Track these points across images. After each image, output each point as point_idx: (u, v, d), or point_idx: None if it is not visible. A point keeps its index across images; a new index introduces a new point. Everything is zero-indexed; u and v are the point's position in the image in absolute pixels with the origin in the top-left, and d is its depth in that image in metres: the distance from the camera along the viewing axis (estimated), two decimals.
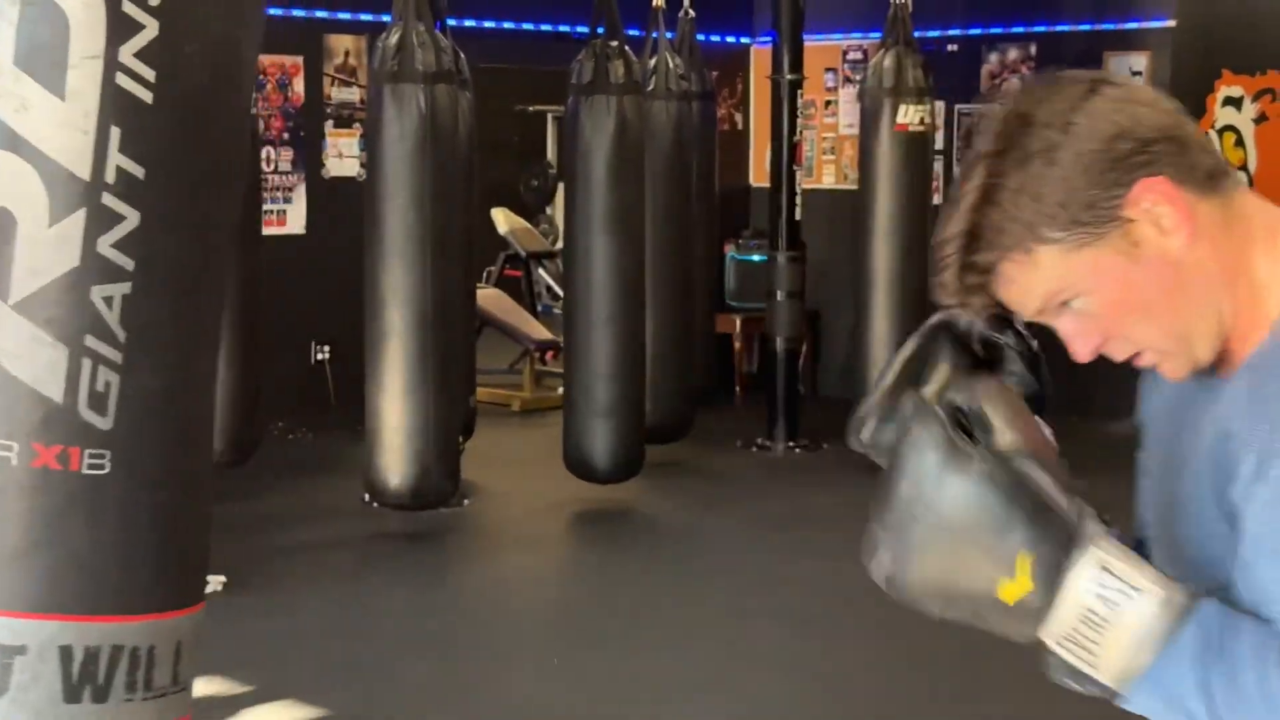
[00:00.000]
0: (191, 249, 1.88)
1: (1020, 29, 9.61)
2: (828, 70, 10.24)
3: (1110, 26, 9.24)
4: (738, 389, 10.27)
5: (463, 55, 7.16)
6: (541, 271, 11.93)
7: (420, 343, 6.54)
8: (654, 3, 8.23)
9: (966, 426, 1.46)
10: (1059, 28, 9.45)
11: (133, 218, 1.80)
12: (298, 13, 8.55)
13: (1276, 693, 1.36)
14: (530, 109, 15.05)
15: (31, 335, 1.80)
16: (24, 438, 1.80)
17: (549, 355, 10.12)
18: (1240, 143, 9.48)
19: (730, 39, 10.74)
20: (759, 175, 10.79)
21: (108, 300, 1.79)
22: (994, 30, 9.72)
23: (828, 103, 10.34)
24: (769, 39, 10.30)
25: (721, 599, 6.09)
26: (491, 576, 6.51)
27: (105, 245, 1.79)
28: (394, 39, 6.51)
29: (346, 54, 8.80)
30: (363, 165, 8.86)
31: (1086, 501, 1.44)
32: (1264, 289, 1.49)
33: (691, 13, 8.59)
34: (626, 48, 7.31)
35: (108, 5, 1.80)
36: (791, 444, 8.72)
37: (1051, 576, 1.40)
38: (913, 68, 7.99)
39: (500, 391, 9.89)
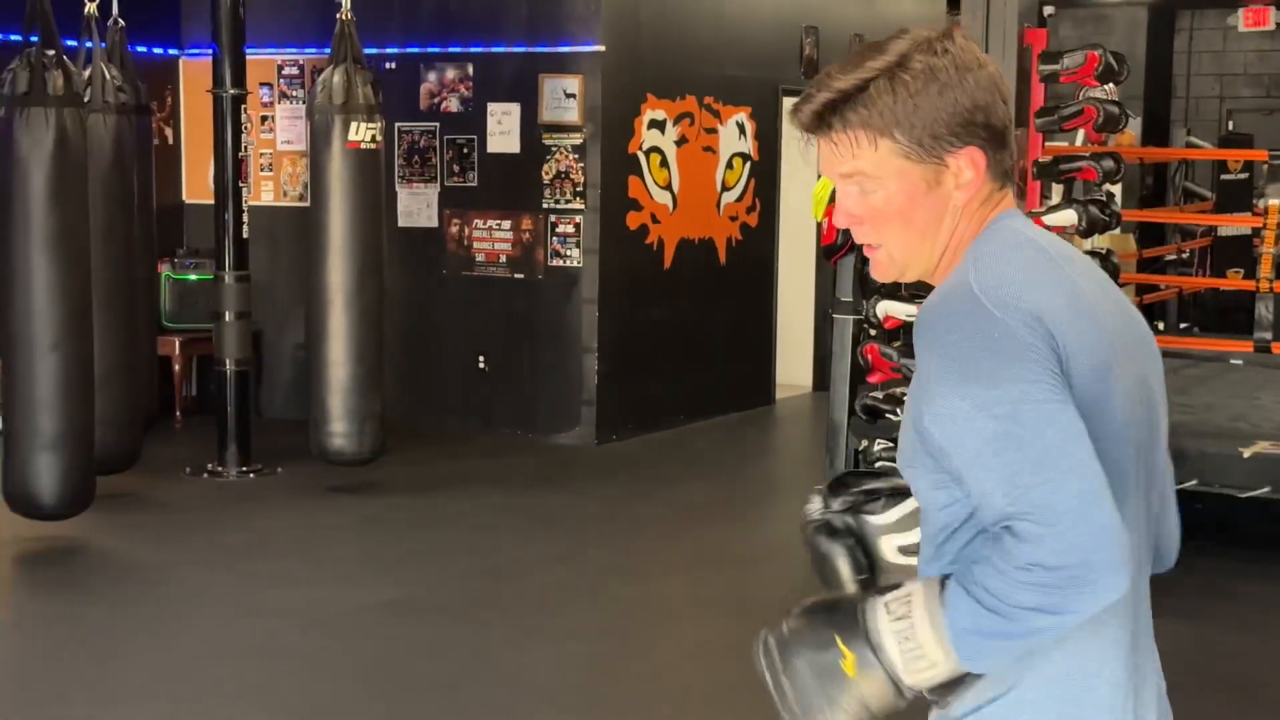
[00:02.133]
0: None
1: (457, 49, 9.75)
2: (263, 85, 10.03)
3: (544, 49, 9.53)
4: (178, 413, 9.90)
5: None
6: None
7: None
8: (86, 9, 7.81)
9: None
10: (495, 49, 9.65)
11: None
12: None
13: (1003, 559, 1.72)
14: None
15: None
16: None
17: None
18: (665, 163, 10.00)
19: (158, 50, 10.33)
20: (193, 192, 10.45)
21: None
22: (432, 49, 9.82)
23: (264, 118, 10.13)
24: (203, 51, 9.98)
25: (197, 637, 5.84)
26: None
27: None
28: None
29: None
30: None
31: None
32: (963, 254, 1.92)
33: (122, 22, 8.19)
34: (65, 57, 6.89)
35: None
36: (245, 469, 8.49)
37: (859, 637, 1.81)
38: (362, 85, 7.95)
39: None
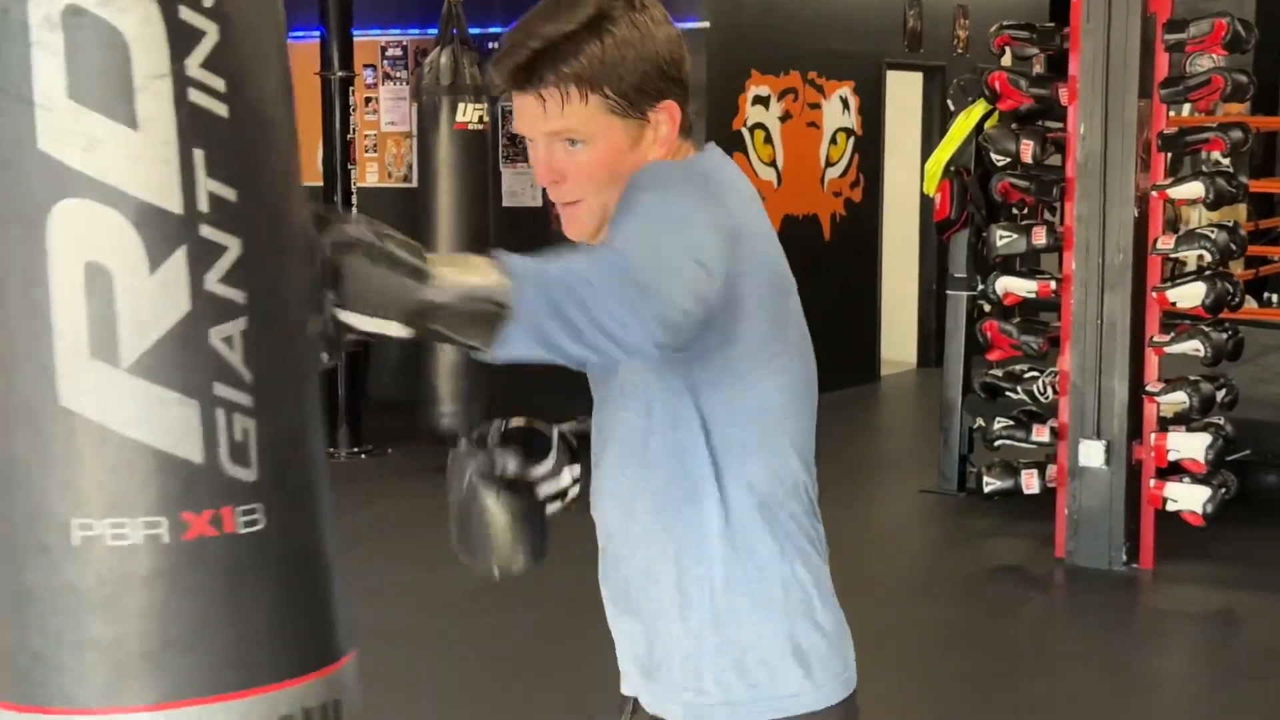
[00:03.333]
0: (289, 272, 1.64)
1: None
2: (367, 66, 10.06)
3: None
4: None
5: None
6: None
7: None
8: None
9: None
10: None
11: (234, 246, 1.57)
12: None
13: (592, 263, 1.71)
14: None
15: (157, 397, 1.55)
16: (172, 510, 1.56)
17: None
18: (769, 139, 9.93)
19: None
20: (304, 174, 10.50)
21: (228, 340, 1.57)
22: None
23: (368, 99, 10.17)
24: (306, 34, 10.02)
25: None
26: None
27: (213, 281, 1.55)
28: None
29: None
30: None
31: None
32: None
33: None
34: None
35: (165, 16, 1.52)
36: (356, 450, 8.53)
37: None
38: (469, 66, 7.94)
39: None
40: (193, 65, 1.56)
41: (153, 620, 1.58)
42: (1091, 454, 6.36)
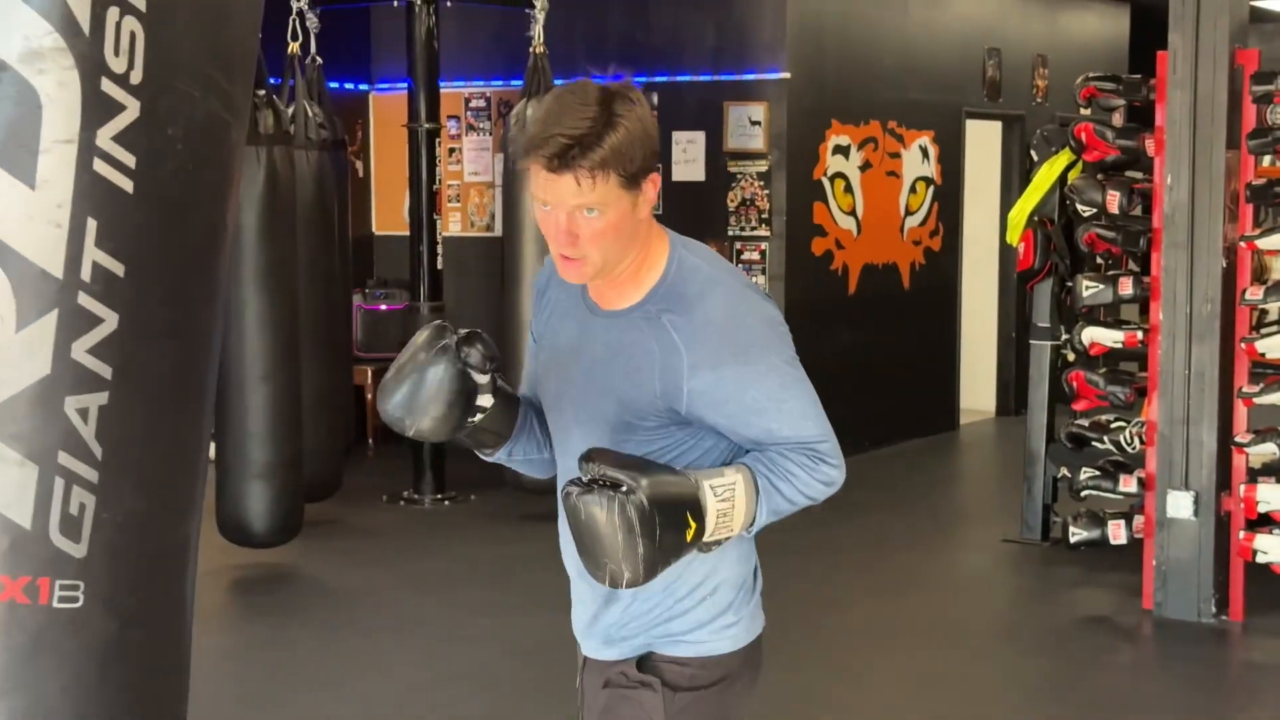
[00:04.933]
0: (174, 356, 1.61)
1: (642, 78, 9.83)
2: (450, 118, 10.21)
3: (729, 77, 9.57)
4: (370, 441, 10.09)
5: None
6: None
7: None
8: (289, 49, 8.00)
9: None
10: (680, 77, 9.71)
11: (111, 320, 1.55)
12: None
13: (809, 471, 2.48)
14: None
15: None
16: None
17: None
18: (849, 188, 9.98)
19: (349, 85, 10.56)
20: (383, 223, 10.66)
21: (82, 412, 1.54)
22: (617, 79, 9.88)
23: (451, 150, 10.31)
24: (392, 85, 10.18)
25: (410, 664, 5.94)
26: None
27: (80, 351, 1.54)
28: None
29: None
30: None
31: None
32: (654, 256, 2.50)
33: (320, 60, 8.38)
34: (275, 96, 7.08)
35: (84, 83, 1.52)
36: (440, 496, 8.62)
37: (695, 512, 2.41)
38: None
39: None
40: (104, 136, 1.54)
41: None
42: (1180, 505, 6.34)
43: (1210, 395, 6.32)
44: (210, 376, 1.65)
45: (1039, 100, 11.63)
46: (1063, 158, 7.37)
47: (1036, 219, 7.49)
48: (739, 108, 9.54)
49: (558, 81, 8.95)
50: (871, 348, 10.23)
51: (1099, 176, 6.91)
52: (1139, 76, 6.97)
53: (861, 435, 10.14)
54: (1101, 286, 6.75)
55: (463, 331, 2.52)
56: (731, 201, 9.59)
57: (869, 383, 10.19)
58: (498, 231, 8.94)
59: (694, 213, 9.70)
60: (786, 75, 9.43)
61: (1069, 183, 7.17)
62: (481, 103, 10.29)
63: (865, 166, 10.09)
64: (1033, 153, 7.71)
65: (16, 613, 1.53)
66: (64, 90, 1.54)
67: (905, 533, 8.19)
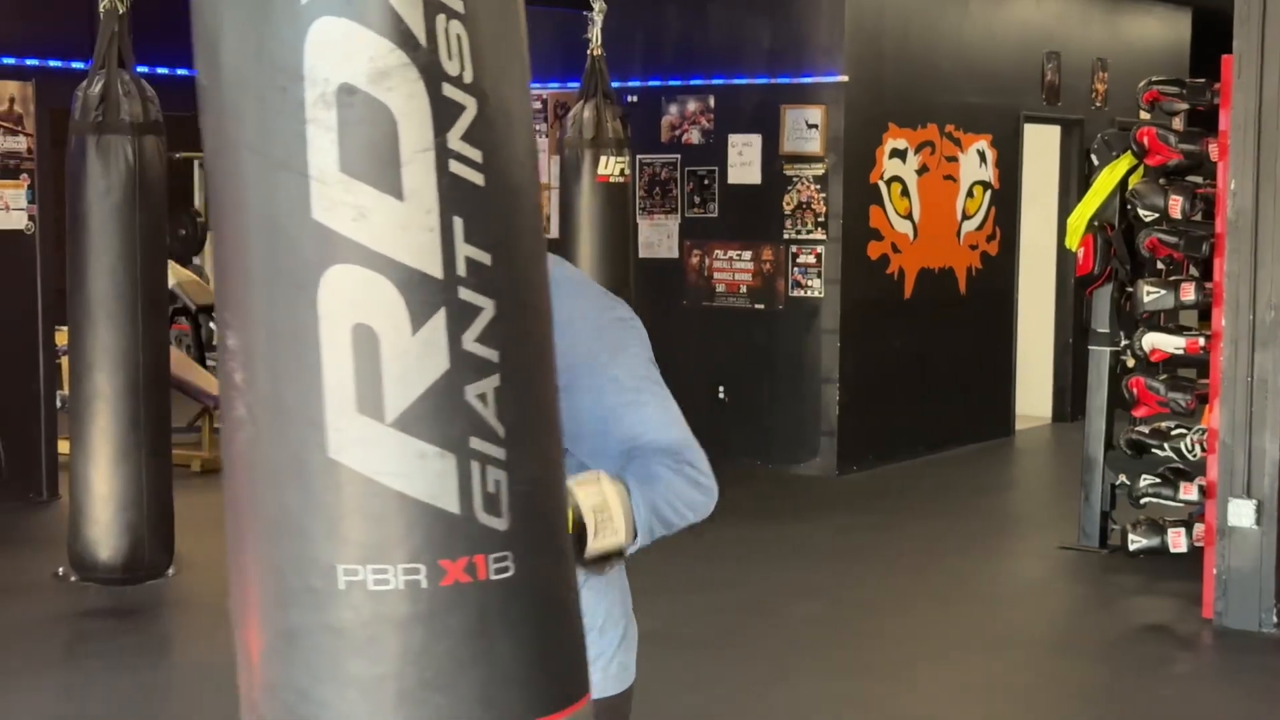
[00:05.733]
0: (535, 331, 1.75)
1: (699, 81, 9.83)
2: None
3: (786, 80, 9.55)
4: None
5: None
6: (213, 326, 11.48)
7: (132, 408, 6.17)
8: None
9: None
10: (736, 80, 9.70)
11: (489, 308, 1.66)
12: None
13: (676, 473, 2.36)
14: (176, 155, 14.50)
15: (417, 450, 1.64)
16: (430, 557, 1.65)
17: None
18: (906, 192, 9.93)
19: None
20: None
21: (481, 397, 1.65)
22: (673, 82, 9.91)
23: None
24: None
25: None
26: (216, 652, 6.16)
27: (469, 341, 1.65)
28: (96, 88, 6.15)
29: (11, 100, 8.26)
30: (31, 218, 8.35)
31: None
32: None
33: None
34: None
35: (429, 93, 1.62)
36: None
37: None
38: (612, 119, 8.06)
39: (178, 452, 9.43)
40: (454, 138, 1.65)
41: (410, 661, 1.65)
42: (1241, 513, 6.27)
43: (1273, 402, 6.25)
44: (552, 342, 1.80)
45: (1098, 104, 11.54)
46: (1124, 162, 7.31)
47: (1096, 224, 7.44)
48: (796, 111, 9.51)
49: (614, 84, 8.97)
50: (927, 352, 10.18)
51: (1161, 181, 6.85)
52: (1203, 81, 6.91)
53: (917, 440, 10.09)
54: (1163, 292, 6.69)
55: None
56: (787, 205, 9.56)
57: (924, 388, 10.15)
58: (554, 233, 8.95)
59: (749, 216, 9.68)
60: (844, 78, 9.40)
61: (1130, 187, 7.11)
62: (538, 105, 10.31)
63: (922, 170, 10.04)
64: (1093, 157, 7.66)
65: (463, 592, 1.67)
66: (414, 102, 1.64)
67: (961, 538, 8.14)
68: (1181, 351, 6.69)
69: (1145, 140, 6.76)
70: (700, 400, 9.89)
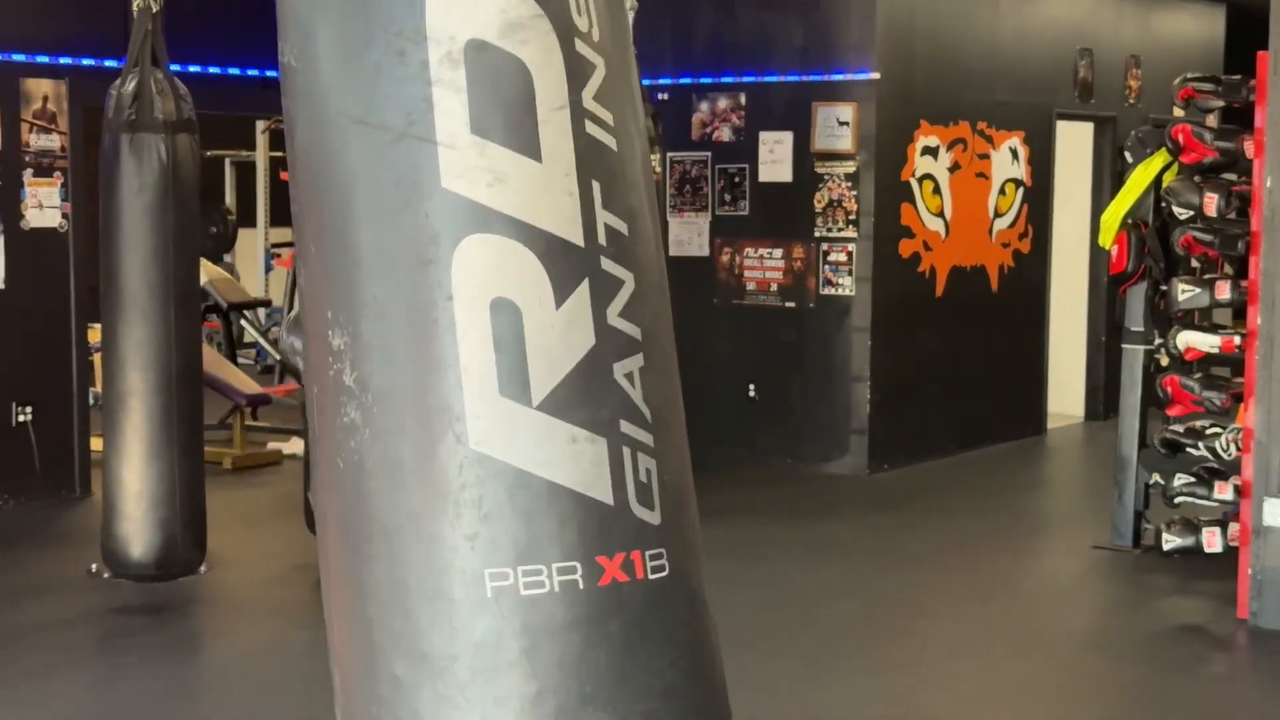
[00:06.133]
0: (666, 310, 1.60)
1: (730, 79, 9.80)
2: None
3: (817, 78, 9.52)
4: None
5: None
6: (244, 323, 11.52)
7: (164, 405, 6.19)
8: None
9: None
10: (767, 78, 9.67)
11: (629, 281, 1.54)
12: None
13: None
14: (207, 153, 14.54)
15: (567, 435, 1.48)
16: (586, 554, 1.48)
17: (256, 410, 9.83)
18: (937, 190, 9.89)
19: None
20: None
21: (629, 376, 1.51)
22: (704, 80, 9.89)
23: None
24: None
25: None
26: (247, 649, 6.18)
27: (614, 315, 1.52)
28: (130, 86, 6.16)
29: (45, 99, 8.29)
30: (65, 216, 8.38)
31: None
32: None
33: None
34: None
35: (563, 47, 1.50)
36: None
37: None
38: (645, 117, 8.03)
39: (210, 449, 9.46)
40: (587, 97, 1.52)
41: (569, 672, 1.46)
42: (1277, 513, 6.23)
43: None
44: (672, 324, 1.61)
45: (1131, 101, 11.48)
46: (1158, 159, 7.26)
47: (1130, 221, 7.39)
48: (827, 108, 9.48)
49: (645, 82, 8.96)
50: (959, 351, 10.14)
51: (1196, 179, 6.81)
52: (1238, 77, 6.86)
53: (948, 439, 10.05)
54: (1198, 290, 6.64)
55: None
56: (818, 203, 9.53)
57: (956, 386, 10.10)
58: None
59: (780, 214, 9.66)
60: (875, 76, 9.36)
61: (1165, 185, 7.06)
62: None
63: (954, 168, 10.00)
64: (1126, 154, 7.61)
65: (621, 592, 1.50)
66: (549, 56, 1.51)
67: (992, 538, 8.10)
68: (1216, 350, 6.64)
69: (1180, 137, 6.71)
70: (731, 398, 9.87)
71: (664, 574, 1.51)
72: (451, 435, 1.47)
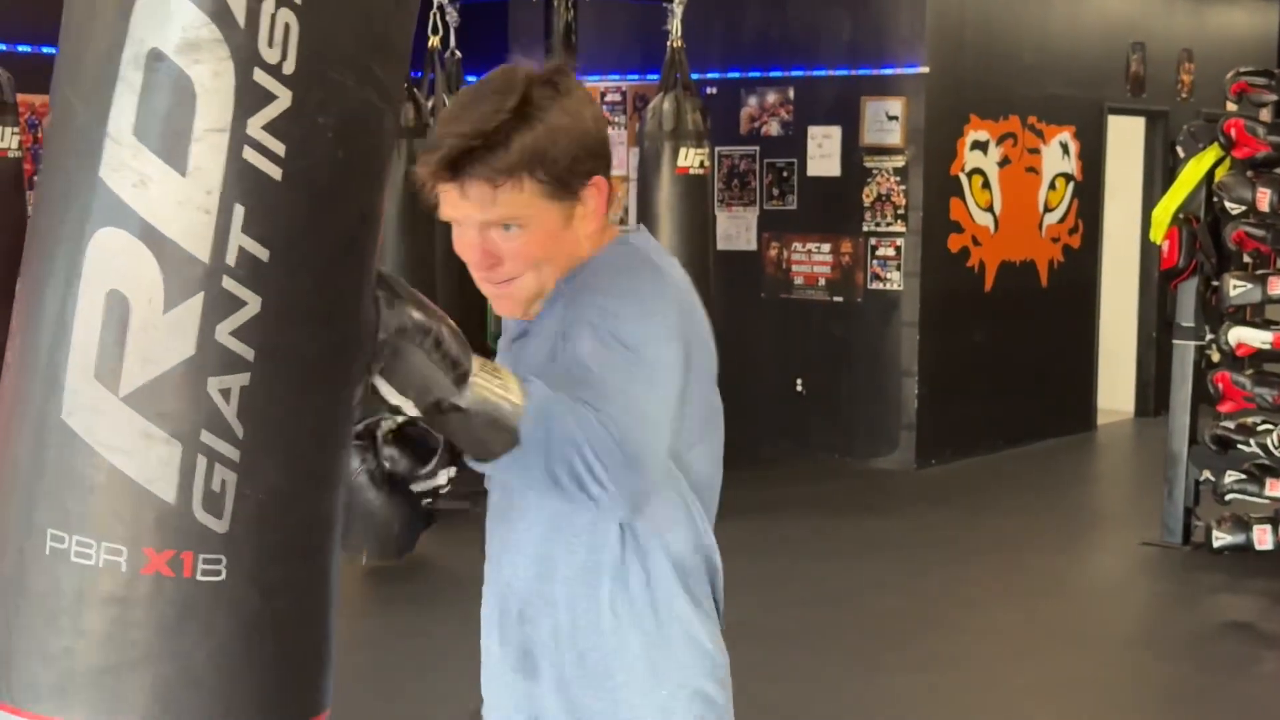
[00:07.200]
0: (320, 339, 1.66)
1: (778, 73, 9.80)
2: None
3: (866, 72, 9.50)
4: None
5: None
6: None
7: None
8: (430, 43, 8.09)
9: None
10: (816, 72, 9.66)
11: (254, 303, 1.59)
12: (51, 50, 8.09)
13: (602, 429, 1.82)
14: None
15: (143, 430, 1.59)
16: (134, 542, 1.60)
17: None
18: (987, 185, 9.86)
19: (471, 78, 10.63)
20: None
21: (225, 392, 1.59)
22: (753, 74, 9.88)
23: None
24: None
25: None
26: None
27: (223, 333, 1.58)
28: None
29: None
30: None
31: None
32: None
33: (459, 54, 8.45)
34: (415, 89, 7.15)
35: (238, 73, 1.58)
36: None
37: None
38: (692, 111, 8.05)
39: None
40: (254, 125, 1.59)
41: (98, 642, 1.61)
42: None
43: None
44: (357, 359, 1.71)
45: (1184, 96, 11.40)
46: (1210, 154, 7.22)
47: (1182, 216, 7.35)
48: (876, 102, 9.46)
49: (694, 76, 8.97)
50: (1008, 346, 10.10)
51: (1249, 174, 6.76)
52: None
53: (996, 434, 10.02)
54: (1250, 286, 6.60)
55: (382, 431, 2.07)
56: (867, 197, 9.52)
57: (1005, 381, 10.07)
58: (632, 225, 8.98)
59: (829, 208, 9.65)
60: (925, 70, 9.34)
61: (1217, 180, 7.02)
62: (617, 96, 10.32)
63: (1004, 162, 9.96)
64: (1178, 149, 7.56)
65: (162, 584, 1.62)
66: (218, 80, 1.59)
67: (1041, 534, 8.07)
68: (1269, 346, 6.60)
69: (1233, 132, 6.67)
70: (778, 393, 9.87)
71: (218, 579, 1.62)
72: (54, 403, 1.62)
